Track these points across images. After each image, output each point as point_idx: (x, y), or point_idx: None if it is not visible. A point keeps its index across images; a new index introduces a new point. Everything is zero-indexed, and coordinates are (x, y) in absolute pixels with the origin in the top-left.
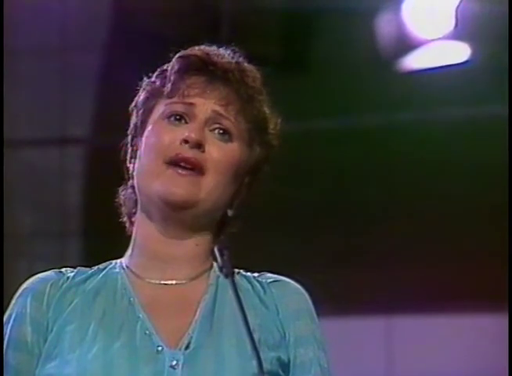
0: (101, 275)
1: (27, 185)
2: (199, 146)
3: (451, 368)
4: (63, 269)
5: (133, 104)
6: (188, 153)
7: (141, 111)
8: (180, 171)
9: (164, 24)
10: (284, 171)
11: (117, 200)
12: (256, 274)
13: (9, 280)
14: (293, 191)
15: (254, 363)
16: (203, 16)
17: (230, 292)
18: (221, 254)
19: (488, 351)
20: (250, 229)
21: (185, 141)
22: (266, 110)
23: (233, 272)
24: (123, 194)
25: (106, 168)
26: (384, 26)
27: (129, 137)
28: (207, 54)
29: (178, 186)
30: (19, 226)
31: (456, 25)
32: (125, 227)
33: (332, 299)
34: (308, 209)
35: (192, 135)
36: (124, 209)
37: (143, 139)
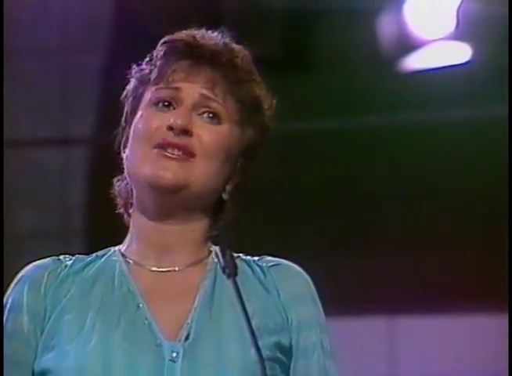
0: (99, 262)
1: (29, 185)
2: (185, 131)
3: (451, 368)
4: (61, 257)
5: (124, 93)
6: (174, 139)
7: (130, 99)
8: (168, 154)
9: (165, 24)
10: (283, 169)
11: (112, 191)
12: (256, 258)
13: (11, 280)
14: (293, 190)
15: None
16: (204, 16)
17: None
18: (224, 254)
19: (488, 351)
20: (249, 227)
21: (171, 127)
22: (258, 89)
23: (236, 273)
24: (118, 185)
25: (109, 168)
26: (385, 26)
27: (121, 127)
28: (193, 37)
29: (166, 168)
30: (22, 226)
31: (458, 25)
32: (128, 227)
33: (333, 299)
34: (308, 209)
35: (178, 122)
36: (119, 200)
37: (132, 127)
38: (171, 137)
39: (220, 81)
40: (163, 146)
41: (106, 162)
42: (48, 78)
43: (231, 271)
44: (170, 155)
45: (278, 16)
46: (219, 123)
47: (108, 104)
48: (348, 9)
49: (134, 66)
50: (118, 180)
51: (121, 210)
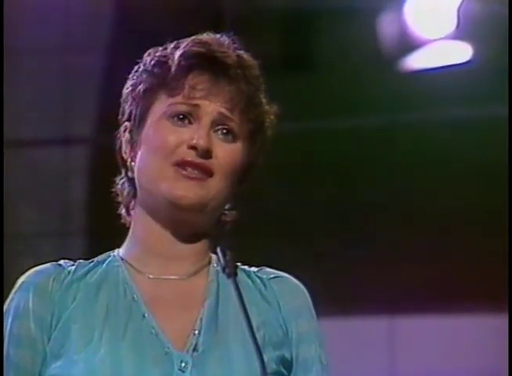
0: (101, 269)
1: (30, 184)
2: (207, 153)
3: (451, 368)
4: (62, 262)
5: (128, 90)
6: (196, 159)
7: (140, 104)
8: (187, 173)
9: (165, 23)
10: (284, 170)
11: (113, 189)
12: (255, 269)
13: (13, 279)
14: (293, 190)
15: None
16: (205, 16)
17: (233, 290)
18: (224, 255)
19: (488, 351)
20: (248, 226)
21: (193, 147)
22: (266, 103)
23: (236, 273)
24: (120, 184)
25: (110, 167)
26: (386, 26)
27: (124, 125)
28: (210, 50)
29: (186, 189)
30: (24, 225)
31: (458, 25)
32: (128, 227)
33: (334, 299)
34: (309, 208)
35: (201, 143)
36: (121, 199)
37: (145, 136)
38: (192, 157)
39: (238, 101)
40: (183, 164)
41: (107, 162)
42: (48, 78)
43: (230, 271)
44: (189, 174)
45: (279, 15)
46: (233, 141)
47: (109, 104)
48: (349, 9)
49: (139, 65)
50: (121, 179)
51: (122, 211)
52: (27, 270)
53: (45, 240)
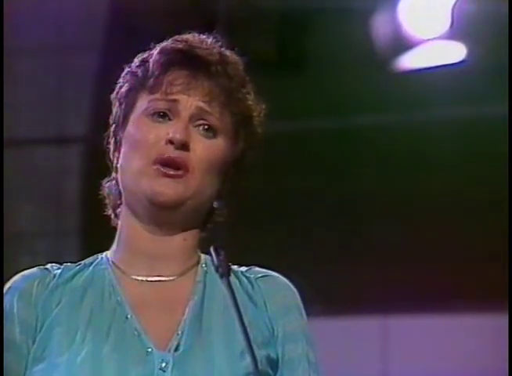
0: (88, 272)
1: (25, 184)
2: (183, 146)
3: (449, 368)
4: (49, 266)
5: (114, 94)
6: (173, 153)
7: (123, 104)
8: (166, 170)
9: (162, 23)
10: (280, 169)
11: (101, 192)
12: (244, 268)
13: (7, 280)
14: (290, 190)
15: (245, 363)
16: (200, 15)
17: (219, 290)
18: (218, 254)
19: (488, 351)
20: (247, 225)
21: (170, 142)
22: (250, 100)
23: (229, 273)
24: (107, 186)
25: (107, 167)
26: (380, 25)
27: (111, 128)
28: (190, 46)
29: (165, 186)
30: (21, 225)
31: (452, 25)
32: (116, 229)
33: (327, 299)
34: (306, 208)
35: (177, 136)
36: (108, 201)
37: (126, 134)
38: (169, 151)
39: (217, 95)
40: (162, 162)
41: (105, 161)
42: (44, 78)
43: (224, 271)
44: (168, 172)
45: (274, 15)
46: (214, 136)
47: (105, 103)
48: (343, 9)
49: (125, 67)
50: (108, 181)
51: (110, 212)
52: (22, 270)
53: (42, 239)
